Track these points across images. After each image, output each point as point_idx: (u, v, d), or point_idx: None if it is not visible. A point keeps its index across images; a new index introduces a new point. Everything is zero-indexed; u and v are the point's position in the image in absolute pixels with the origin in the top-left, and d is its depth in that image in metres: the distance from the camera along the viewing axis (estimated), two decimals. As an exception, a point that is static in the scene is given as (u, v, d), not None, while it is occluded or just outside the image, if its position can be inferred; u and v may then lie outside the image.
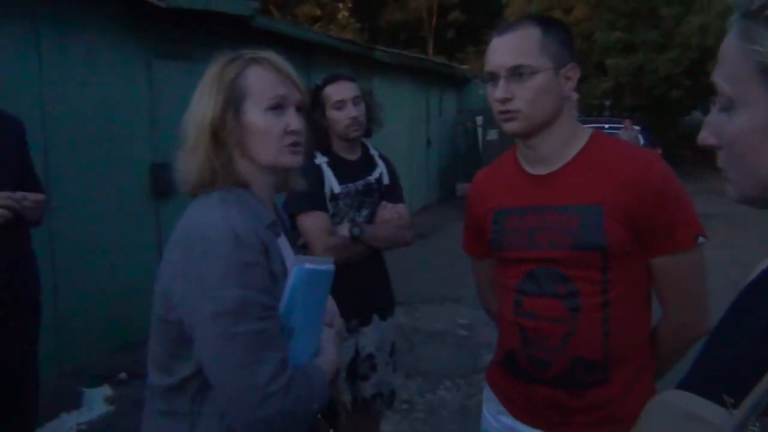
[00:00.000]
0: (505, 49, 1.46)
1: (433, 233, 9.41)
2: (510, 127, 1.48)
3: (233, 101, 1.24)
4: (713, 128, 0.75)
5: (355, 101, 2.38)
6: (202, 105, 1.24)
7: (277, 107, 1.26)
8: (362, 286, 2.41)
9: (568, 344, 1.45)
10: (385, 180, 2.53)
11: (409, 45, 20.40)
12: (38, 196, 2.31)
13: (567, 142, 1.50)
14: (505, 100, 1.45)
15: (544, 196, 1.49)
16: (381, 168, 2.54)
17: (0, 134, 2.34)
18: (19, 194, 2.24)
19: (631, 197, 1.39)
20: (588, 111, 21.05)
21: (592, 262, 1.43)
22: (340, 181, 2.38)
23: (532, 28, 1.45)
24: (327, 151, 2.43)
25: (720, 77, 0.72)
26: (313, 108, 2.37)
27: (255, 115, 1.24)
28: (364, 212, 2.45)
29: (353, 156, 2.48)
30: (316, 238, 2.29)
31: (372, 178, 2.48)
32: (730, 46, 0.71)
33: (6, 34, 3.22)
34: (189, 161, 1.26)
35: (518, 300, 1.53)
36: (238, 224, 1.14)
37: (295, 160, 1.29)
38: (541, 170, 1.52)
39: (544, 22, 1.48)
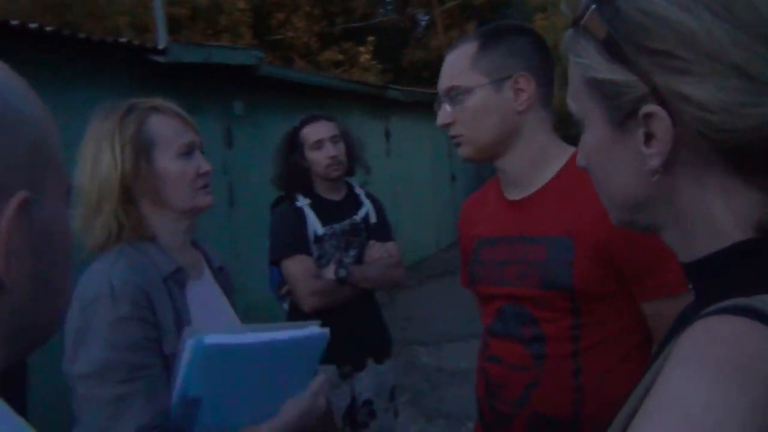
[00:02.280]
0: (444, 71, 1.36)
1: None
2: (461, 152, 1.38)
3: (144, 152, 1.22)
4: (581, 151, 0.69)
5: (333, 140, 2.34)
6: (103, 162, 1.21)
7: (187, 152, 1.27)
8: (354, 329, 2.32)
9: (529, 398, 1.26)
10: (373, 218, 2.47)
11: (433, 83, 20.44)
12: None
13: (537, 163, 1.33)
14: (446, 125, 1.35)
15: (517, 224, 1.34)
16: (367, 207, 2.48)
17: None
18: None
19: (608, 230, 1.13)
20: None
21: (559, 303, 1.24)
22: (324, 222, 2.33)
23: (470, 42, 1.32)
24: (309, 193, 2.38)
25: (568, 96, 0.67)
26: (292, 150, 2.34)
27: (167, 162, 1.24)
28: (352, 252, 2.39)
29: (337, 196, 2.43)
30: (300, 282, 2.23)
31: (358, 217, 2.42)
32: (569, 63, 0.66)
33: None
34: (92, 221, 1.21)
35: (486, 341, 1.39)
36: (115, 277, 1.12)
37: (209, 200, 1.31)
38: (515, 195, 1.37)
39: (490, 33, 1.33)
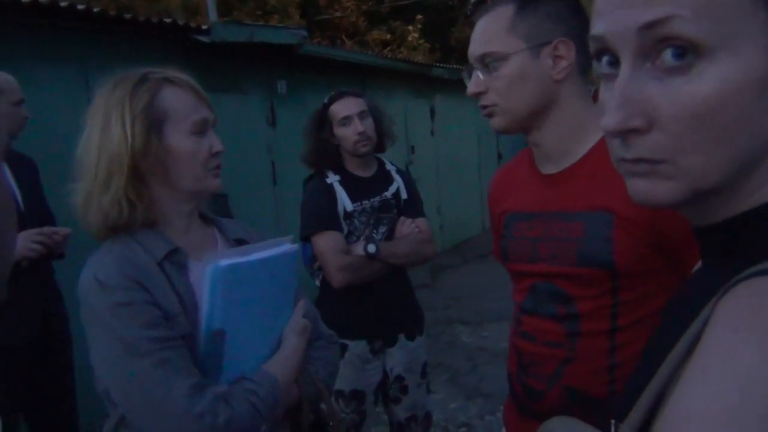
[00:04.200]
0: (476, 36, 1.27)
1: (508, 249, 9.15)
2: (492, 124, 1.30)
3: (155, 127, 1.14)
4: (642, 104, 0.50)
5: (361, 116, 2.33)
6: (113, 134, 1.12)
7: (201, 131, 1.19)
8: (384, 305, 2.34)
9: (562, 375, 1.23)
10: (404, 195, 2.46)
11: (482, 61, 20.11)
12: (66, 230, 2.41)
13: (575, 135, 1.26)
14: (478, 95, 1.27)
15: (552, 200, 1.27)
16: (398, 183, 2.47)
17: (23, 174, 2.47)
18: (47, 229, 2.36)
19: None
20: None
21: (598, 281, 1.19)
22: (353, 199, 2.33)
23: (506, 6, 1.24)
24: (339, 170, 2.39)
25: (686, 13, 0.47)
26: (321, 127, 2.35)
27: (179, 139, 1.16)
28: (382, 229, 2.39)
29: (367, 172, 2.43)
30: (329, 257, 2.24)
31: (388, 193, 2.42)
32: None
33: (59, 79, 3.42)
34: (98, 198, 1.13)
35: (518, 318, 1.35)
36: (100, 271, 1.09)
37: (218, 184, 1.23)
38: (551, 169, 1.30)
39: None
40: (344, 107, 2.34)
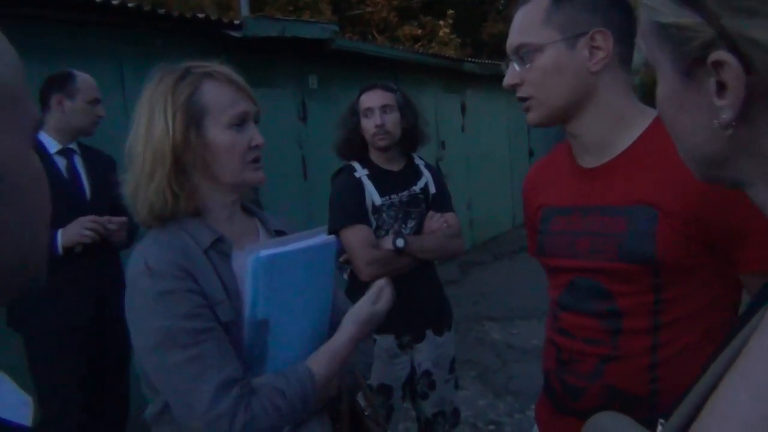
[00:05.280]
0: (513, 28, 1.25)
1: (539, 246, 9.07)
2: (529, 118, 1.28)
3: (194, 120, 1.17)
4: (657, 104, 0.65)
5: (383, 109, 2.33)
6: (156, 127, 1.16)
7: (240, 123, 1.20)
8: (412, 300, 2.32)
9: (603, 372, 1.21)
10: (432, 189, 2.45)
11: (514, 56, 19.93)
12: (121, 219, 2.50)
13: (615, 128, 1.22)
14: (514, 87, 1.26)
15: (592, 194, 1.25)
16: (426, 177, 2.46)
17: (97, 168, 2.64)
18: (104, 218, 2.46)
19: (696, 198, 1.08)
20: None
21: (640, 277, 1.16)
22: (382, 193, 2.33)
23: None
24: (368, 163, 2.39)
25: (637, 40, 0.67)
26: (352, 117, 2.36)
27: (217, 132, 1.18)
28: (411, 223, 2.38)
29: (395, 167, 2.42)
30: (358, 251, 2.24)
31: (417, 188, 2.41)
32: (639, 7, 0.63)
33: (94, 74, 3.46)
34: (144, 188, 1.17)
35: (556, 314, 1.33)
36: (150, 257, 1.12)
37: (259, 176, 1.25)
38: (590, 162, 1.27)
39: None
40: (369, 99, 2.35)
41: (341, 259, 2.38)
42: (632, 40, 1.23)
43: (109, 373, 2.73)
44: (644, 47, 0.62)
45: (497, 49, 20.22)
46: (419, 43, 18.16)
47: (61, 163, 2.60)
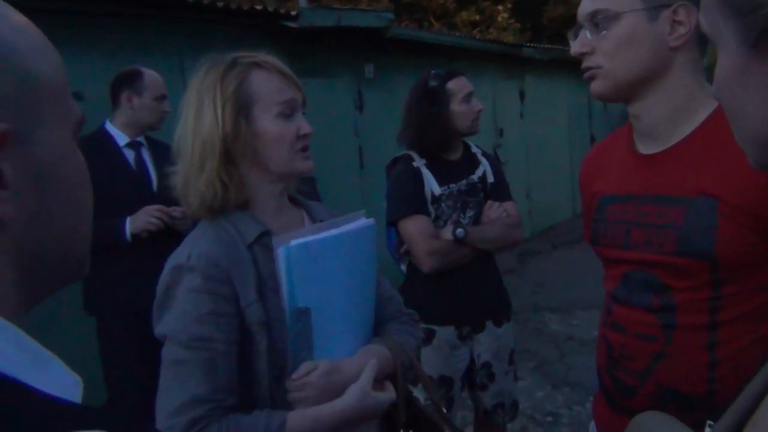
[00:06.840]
0: None
1: (600, 235, 8.86)
2: (593, 88, 1.22)
3: (243, 110, 1.17)
4: (714, 81, 0.61)
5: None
6: (206, 118, 1.16)
7: (289, 113, 1.21)
8: (472, 290, 2.31)
9: (656, 370, 1.16)
10: (490, 178, 2.41)
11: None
12: (183, 209, 2.56)
13: (680, 111, 1.16)
14: (582, 55, 1.20)
15: (651, 182, 1.19)
16: (485, 166, 2.42)
17: (164, 161, 2.66)
18: (170, 207, 2.54)
19: (760, 193, 1.03)
20: None
21: (697, 272, 1.11)
22: (441, 183, 2.30)
23: None
24: (425, 153, 2.35)
25: (700, 14, 0.59)
26: (432, 104, 2.29)
27: (266, 122, 1.19)
28: (470, 213, 2.35)
29: (454, 156, 2.39)
30: (418, 242, 2.23)
31: (475, 177, 2.37)
32: None
33: (155, 68, 3.56)
34: (195, 179, 1.18)
35: (609, 307, 1.28)
36: (195, 250, 1.14)
37: (308, 165, 1.24)
38: (651, 148, 1.21)
39: None
40: (464, 85, 2.32)
41: (402, 251, 2.38)
42: None
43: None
44: (705, 22, 0.58)
45: (558, 33, 19.74)
46: (477, 29, 17.92)
47: (130, 155, 2.70)
